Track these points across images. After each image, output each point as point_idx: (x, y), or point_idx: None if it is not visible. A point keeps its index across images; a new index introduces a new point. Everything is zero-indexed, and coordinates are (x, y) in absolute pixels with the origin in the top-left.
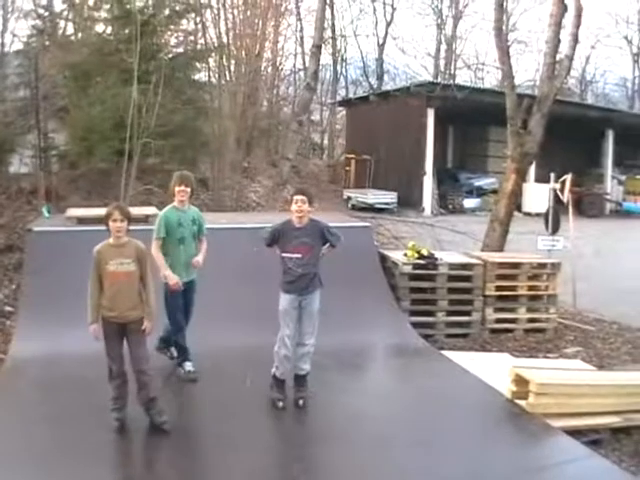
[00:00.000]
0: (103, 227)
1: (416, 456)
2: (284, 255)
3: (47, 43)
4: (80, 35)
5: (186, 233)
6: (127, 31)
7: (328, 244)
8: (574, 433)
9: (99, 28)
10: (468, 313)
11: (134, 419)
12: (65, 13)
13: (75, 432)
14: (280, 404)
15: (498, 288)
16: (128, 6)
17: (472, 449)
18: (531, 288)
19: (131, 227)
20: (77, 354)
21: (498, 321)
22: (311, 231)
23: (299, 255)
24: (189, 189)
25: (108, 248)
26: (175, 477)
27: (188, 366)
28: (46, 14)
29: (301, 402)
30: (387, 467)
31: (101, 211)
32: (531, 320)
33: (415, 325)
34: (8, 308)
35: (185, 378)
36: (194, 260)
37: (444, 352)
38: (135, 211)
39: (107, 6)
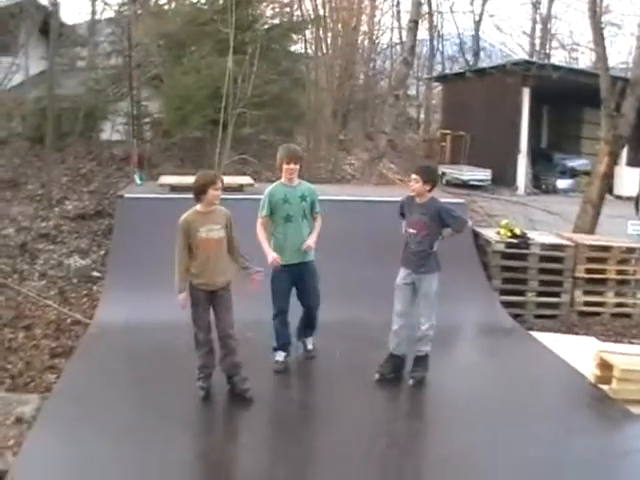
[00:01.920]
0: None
1: (495, 434)
2: (405, 228)
3: (139, 12)
4: (173, 5)
5: (293, 211)
6: (222, 1)
7: (450, 228)
8: None
9: None
10: (557, 294)
11: (220, 388)
12: None
13: (160, 399)
14: (376, 376)
15: (588, 271)
16: None
17: (551, 431)
18: (620, 272)
19: (226, 196)
20: (162, 321)
21: (586, 304)
22: (429, 210)
23: (414, 231)
24: (298, 166)
25: (197, 215)
26: (258, 447)
27: (277, 356)
28: None
29: (411, 382)
30: (465, 447)
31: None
32: (618, 305)
33: (505, 304)
34: (95, 273)
35: (273, 367)
36: (304, 245)
37: (532, 332)
38: (229, 180)
39: None
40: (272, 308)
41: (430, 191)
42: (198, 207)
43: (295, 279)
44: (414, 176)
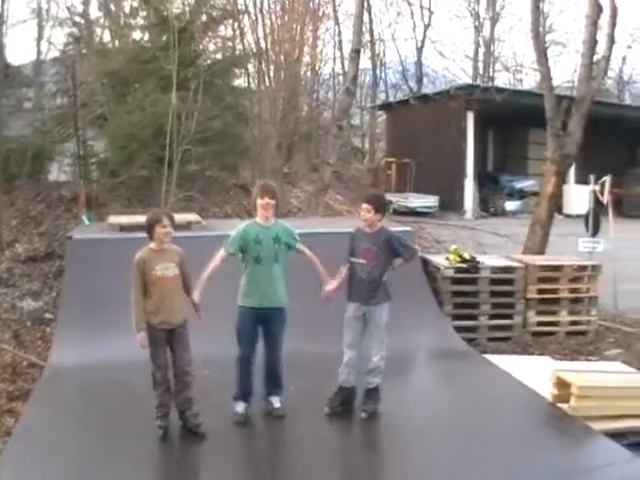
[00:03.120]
0: (144, 234)
1: (457, 459)
2: (351, 259)
3: (84, 51)
4: (117, 43)
5: (264, 253)
6: (164, 38)
7: (400, 257)
8: (615, 436)
9: (136, 35)
10: (510, 316)
11: (179, 427)
12: (101, 21)
13: (118, 440)
14: (325, 409)
15: (540, 291)
16: (164, 13)
17: (513, 452)
18: (572, 290)
19: (174, 234)
20: (116, 361)
21: (540, 324)
22: (380, 239)
23: (363, 261)
24: (274, 201)
25: (152, 254)
26: None
27: (238, 407)
28: (82, 22)
29: (363, 415)
30: (425, 472)
31: (143, 218)
32: (572, 323)
33: (458, 329)
34: (48, 315)
35: (233, 418)
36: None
37: (486, 355)
38: (177, 218)
39: (143, 13)
40: (237, 350)
41: (380, 220)
42: (152, 245)
43: (261, 324)
44: (365, 206)
